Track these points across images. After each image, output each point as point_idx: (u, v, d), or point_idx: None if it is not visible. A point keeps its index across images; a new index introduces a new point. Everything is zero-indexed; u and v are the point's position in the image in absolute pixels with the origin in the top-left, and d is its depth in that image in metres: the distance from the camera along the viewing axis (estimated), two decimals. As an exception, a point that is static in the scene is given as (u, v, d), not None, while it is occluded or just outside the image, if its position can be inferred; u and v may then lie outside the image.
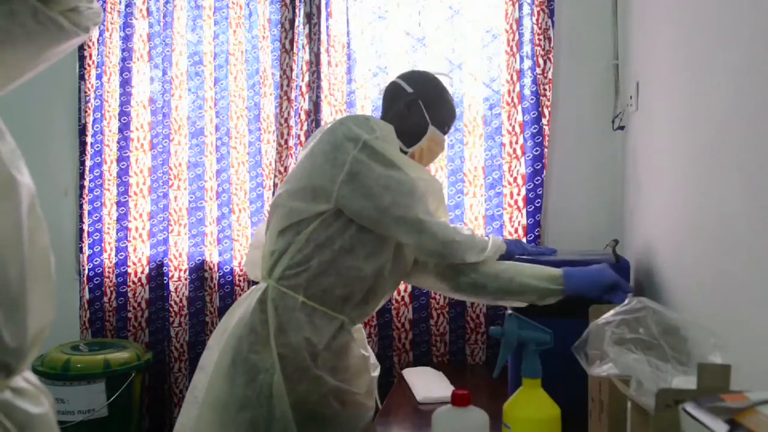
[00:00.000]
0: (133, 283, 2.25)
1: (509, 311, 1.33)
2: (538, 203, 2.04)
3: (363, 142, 1.31)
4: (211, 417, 1.32)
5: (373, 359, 1.52)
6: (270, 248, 1.39)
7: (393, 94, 1.52)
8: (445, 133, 1.54)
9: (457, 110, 2.06)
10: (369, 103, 2.15)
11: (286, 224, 1.36)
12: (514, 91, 2.06)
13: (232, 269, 2.21)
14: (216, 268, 2.21)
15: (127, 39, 2.24)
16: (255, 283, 1.47)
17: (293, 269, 1.34)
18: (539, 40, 2.04)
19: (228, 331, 1.38)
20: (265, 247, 1.42)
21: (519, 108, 2.05)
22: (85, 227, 2.22)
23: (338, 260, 1.35)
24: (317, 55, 2.13)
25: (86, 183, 2.23)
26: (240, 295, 2.20)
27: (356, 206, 1.32)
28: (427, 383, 1.78)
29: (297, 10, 2.14)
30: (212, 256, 2.23)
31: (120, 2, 2.24)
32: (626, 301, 1.06)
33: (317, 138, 1.38)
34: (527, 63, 2.05)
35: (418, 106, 1.49)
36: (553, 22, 2.04)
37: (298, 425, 1.31)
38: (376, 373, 1.51)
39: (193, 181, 2.23)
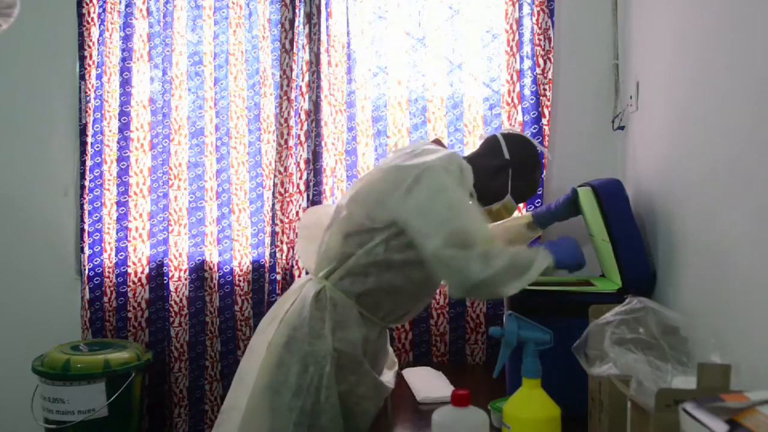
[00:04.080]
0: (133, 283, 2.24)
1: (509, 311, 1.33)
2: (538, 203, 2.04)
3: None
4: (263, 400, 1.40)
5: (392, 357, 1.70)
6: (330, 251, 1.48)
7: (490, 149, 1.60)
8: (518, 203, 1.61)
9: (457, 110, 2.09)
10: (369, 103, 2.15)
11: (349, 231, 1.45)
12: (514, 91, 2.06)
13: (232, 269, 2.21)
14: (216, 268, 2.21)
15: (127, 39, 2.23)
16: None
17: (350, 278, 1.44)
18: (539, 40, 2.04)
19: (279, 318, 1.46)
20: (325, 246, 1.50)
21: (519, 108, 2.05)
22: (86, 227, 2.21)
23: (394, 283, 1.43)
24: (317, 55, 2.13)
25: (86, 183, 2.22)
26: (240, 294, 2.20)
27: (404, 217, 1.37)
28: (427, 383, 1.78)
29: (297, 10, 2.14)
30: (212, 256, 2.22)
31: (120, 2, 2.24)
32: (626, 301, 1.06)
33: (400, 155, 1.44)
34: (527, 63, 2.05)
35: (506, 174, 1.55)
36: (553, 22, 2.04)
37: (343, 415, 1.39)
38: (395, 369, 1.67)
39: (193, 181, 2.23)
